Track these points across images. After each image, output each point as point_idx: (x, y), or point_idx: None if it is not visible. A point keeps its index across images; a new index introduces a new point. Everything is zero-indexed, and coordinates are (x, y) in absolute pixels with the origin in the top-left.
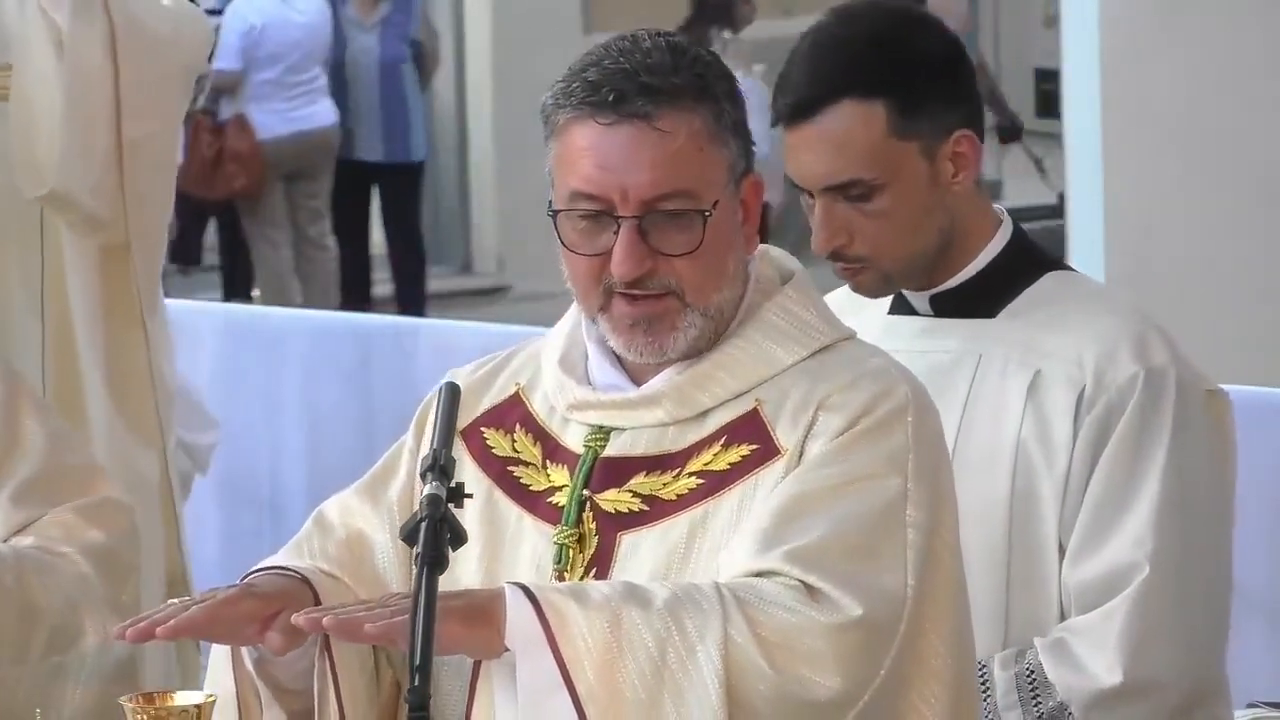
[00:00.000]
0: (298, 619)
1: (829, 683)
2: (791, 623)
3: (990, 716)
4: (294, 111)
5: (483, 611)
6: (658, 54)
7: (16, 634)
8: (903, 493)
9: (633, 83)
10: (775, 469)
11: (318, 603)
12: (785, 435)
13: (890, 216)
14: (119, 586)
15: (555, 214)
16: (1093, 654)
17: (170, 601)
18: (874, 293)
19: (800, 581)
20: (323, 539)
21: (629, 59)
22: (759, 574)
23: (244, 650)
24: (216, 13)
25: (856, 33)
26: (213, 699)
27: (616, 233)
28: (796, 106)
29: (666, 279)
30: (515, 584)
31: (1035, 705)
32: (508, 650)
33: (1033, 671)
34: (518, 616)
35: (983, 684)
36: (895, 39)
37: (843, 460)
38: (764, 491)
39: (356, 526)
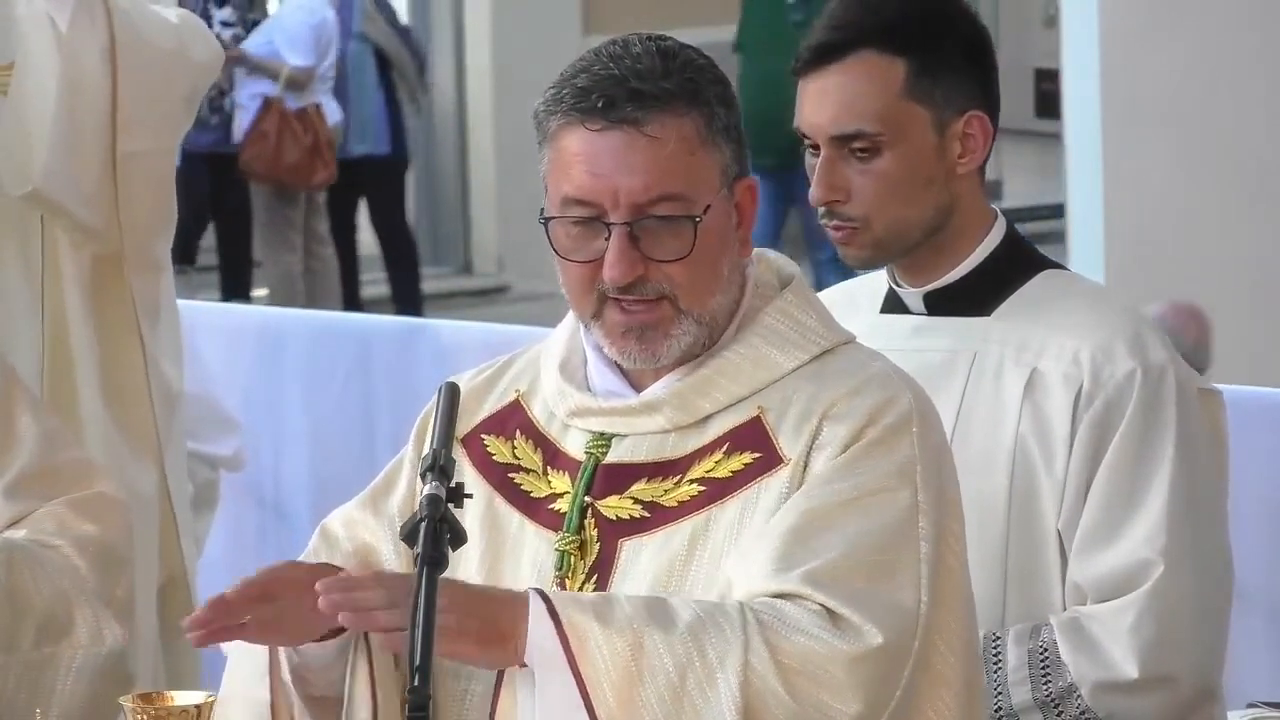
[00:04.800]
0: (322, 588)
1: (849, 709)
2: (814, 650)
3: (999, 689)
4: (328, 105)
5: (499, 632)
6: (648, 59)
7: (6, 624)
8: (913, 505)
9: (622, 89)
10: (779, 478)
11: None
12: (788, 444)
13: (890, 179)
14: (112, 580)
15: (547, 221)
16: (1109, 643)
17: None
18: (863, 262)
19: (822, 606)
20: (330, 553)
21: (619, 65)
22: (780, 596)
23: (282, 659)
24: (231, 25)
25: None
26: (212, 699)
27: (608, 239)
28: (819, 49)
29: (659, 285)
30: (539, 593)
31: (1045, 683)
32: (525, 666)
33: (1046, 650)
34: (538, 635)
35: (995, 657)
36: (930, 8)
37: (852, 475)
38: (767, 500)
39: (362, 538)
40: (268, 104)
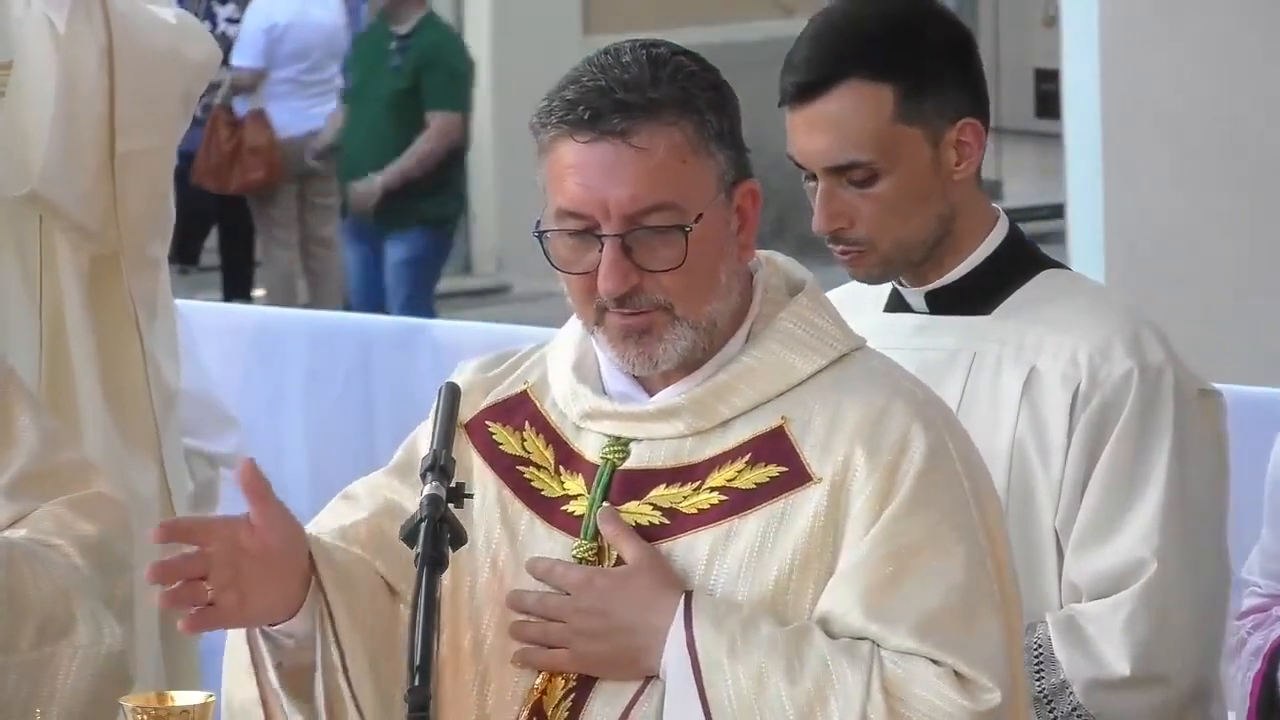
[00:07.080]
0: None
1: None
2: (938, 708)
3: None
4: (311, 110)
5: (632, 663)
6: (636, 68)
7: (5, 624)
8: (972, 525)
9: (608, 100)
10: (810, 496)
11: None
12: (816, 462)
13: (891, 202)
14: (112, 580)
15: (542, 234)
16: (1102, 640)
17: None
18: (874, 279)
19: (950, 665)
20: (351, 510)
21: (607, 75)
22: (906, 653)
23: (265, 656)
24: (236, 22)
25: (867, 14)
26: (212, 699)
27: (602, 250)
28: (803, 86)
29: (654, 294)
30: (686, 632)
31: (1038, 679)
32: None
33: (1040, 646)
34: (676, 671)
35: None
36: (906, 23)
37: (914, 513)
38: (797, 518)
39: (385, 496)
40: (207, 109)
